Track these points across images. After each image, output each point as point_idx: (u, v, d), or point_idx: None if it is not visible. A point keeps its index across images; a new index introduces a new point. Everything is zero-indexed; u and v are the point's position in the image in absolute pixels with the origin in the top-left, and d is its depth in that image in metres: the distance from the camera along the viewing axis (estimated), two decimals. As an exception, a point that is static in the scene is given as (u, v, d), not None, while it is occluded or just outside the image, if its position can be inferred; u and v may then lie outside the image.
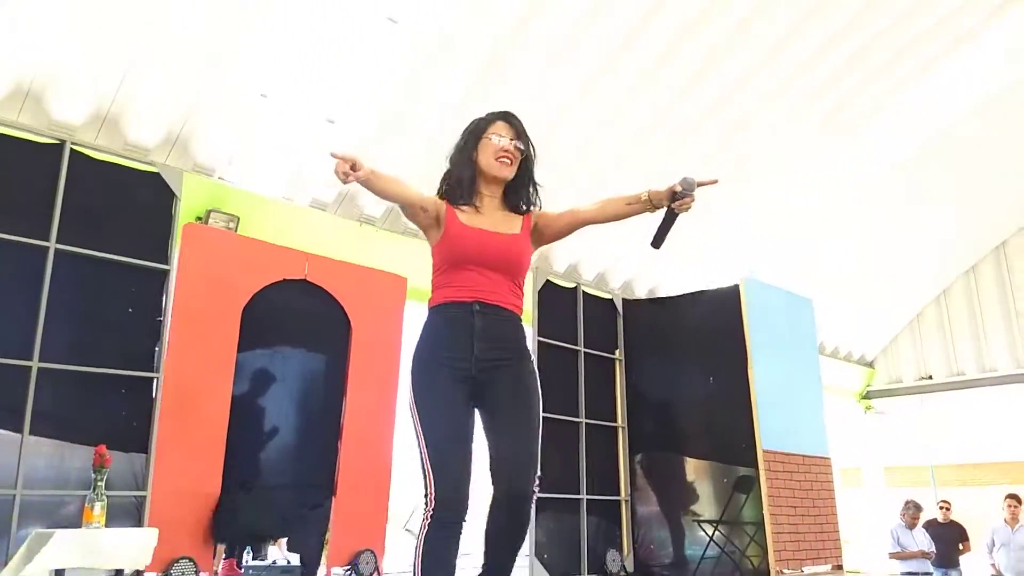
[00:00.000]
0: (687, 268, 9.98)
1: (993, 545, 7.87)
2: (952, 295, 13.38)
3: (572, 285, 6.48)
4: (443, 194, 2.40)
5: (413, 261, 7.64)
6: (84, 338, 4.26)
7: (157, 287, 4.58)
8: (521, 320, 2.41)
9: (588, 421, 6.12)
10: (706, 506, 6.33)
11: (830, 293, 11.35)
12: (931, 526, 8.34)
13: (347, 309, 5.64)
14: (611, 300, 6.75)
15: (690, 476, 6.37)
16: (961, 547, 8.12)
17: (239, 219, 6.32)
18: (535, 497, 2.25)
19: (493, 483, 2.20)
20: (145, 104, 5.61)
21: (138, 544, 3.68)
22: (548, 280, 6.22)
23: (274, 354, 5.40)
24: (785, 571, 6.23)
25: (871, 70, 8.13)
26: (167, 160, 5.87)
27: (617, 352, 6.64)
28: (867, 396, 14.18)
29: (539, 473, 2.26)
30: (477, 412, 2.28)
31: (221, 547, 4.95)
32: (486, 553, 2.24)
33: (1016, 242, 12.67)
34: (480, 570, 2.25)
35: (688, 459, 6.36)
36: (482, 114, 2.47)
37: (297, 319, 5.46)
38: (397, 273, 6.18)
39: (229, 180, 6.69)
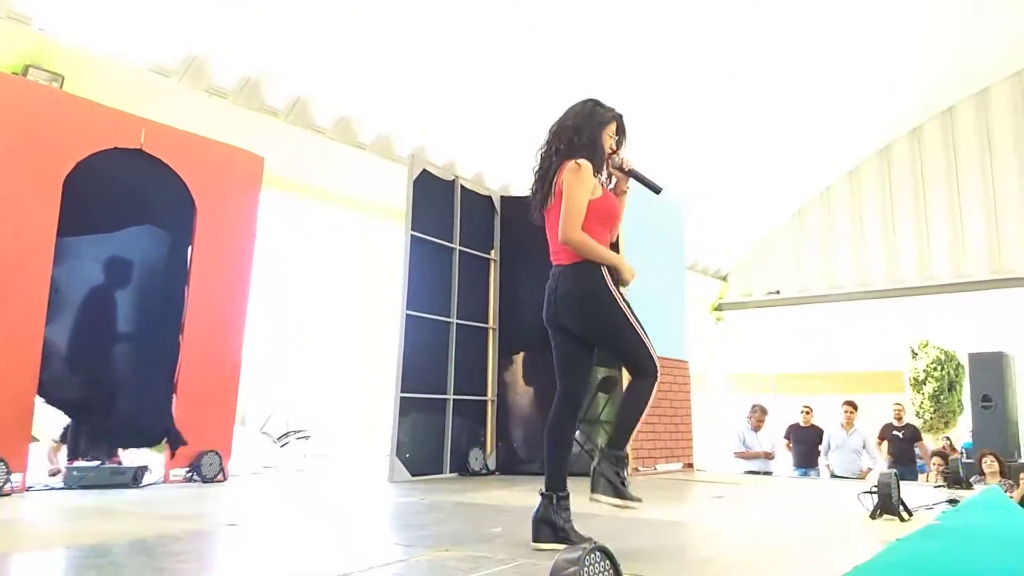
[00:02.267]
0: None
1: (828, 447, 8.49)
2: (806, 215, 14.07)
3: (450, 178, 6.07)
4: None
5: (271, 142, 7.00)
6: None
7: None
8: None
9: (459, 321, 5.86)
10: (572, 407, 6.33)
11: (691, 207, 11.58)
12: (793, 429, 8.88)
13: (191, 186, 4.98)
14: (489, 197, 6.41)
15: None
16: (819, 448, 8.69)
17: (63, 79, 5.40)
18: None
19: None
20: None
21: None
22: (425, 170, 5.77)
23: (101, 234, 4.69)
24: (640, 468, 6.40)
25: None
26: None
27: (492, 252, 6.37)
28: (719, 308, 14.90)
29: None
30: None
31: (37, 446, 4.37)
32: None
33: (868, 167, 13.38)
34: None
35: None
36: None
37: (130, 194, 4.76)
38: (252, 151, 5.53)
39: (52, 32, 5.68)
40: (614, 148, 2.93)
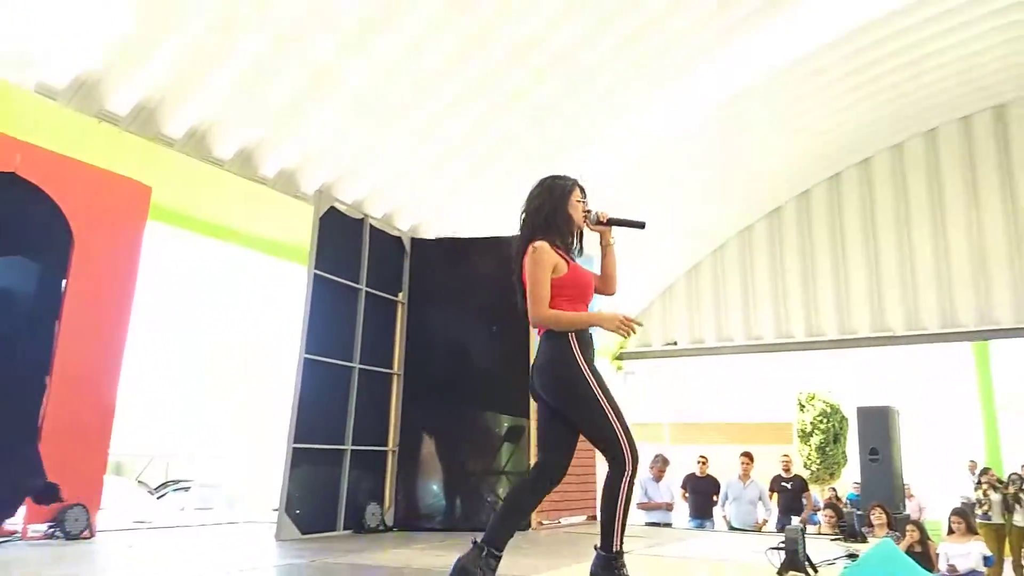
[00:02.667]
0: (480, 215, 9.78)
1: (726, 498, 8.58)
2: (701, 271, 14.58)
3: (359, 216, 5.84)
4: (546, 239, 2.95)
5: (161, 172, 6.58)
6: None
7: None
8: None
9: (362, 366, 5.57)
10: (475, 457, 6.12)
11: (592, 260, 11.77)
12: (690, 479, 8.92)
13: (69, 215, 4.55)
14: (399, 238, 6.21)
15: (462, 426, 6.10)
16: (715, 499, 8.74)
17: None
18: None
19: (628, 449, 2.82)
20: None
21: None
22: (333, 207, 5.53)
23: (-39, 261, 4.20)
24: (544, 522, 6.24)
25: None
26: None
27: (400, 295, 6.14)
28: (620, 357, 15.12)
29: None
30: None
31: None
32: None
33: (760, 227, 14.05)
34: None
35: (462, 409, 6.08)
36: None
37: (-1, 220, 4.29)
38: (140, 181, 5.14)
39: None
40: (587, 209, 3.03)
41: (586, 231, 3.15)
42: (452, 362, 6.10)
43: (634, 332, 2.87)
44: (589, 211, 3.05)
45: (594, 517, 7.05)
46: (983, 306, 12.07)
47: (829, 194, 13.48)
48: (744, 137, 11.34)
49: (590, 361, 2.86)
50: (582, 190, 3.07)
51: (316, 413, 5.17)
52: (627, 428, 2.80)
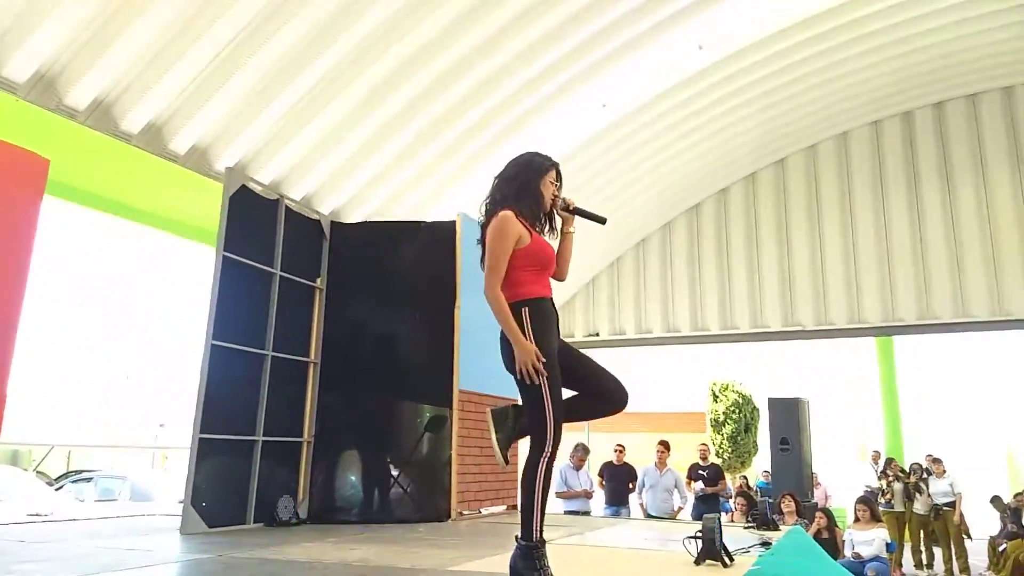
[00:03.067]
0: (404, 201, 9.61)
1: (643, 486, 8.69)
2: (623, 263, 14.78)
3: (274, 197, 5.60)
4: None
5: (61, 145, 6.14)
6: None
7: None
8: None
9: (275, 354, 5.35)
10: (395, 448, 5.98)
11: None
12: (607, 467, 9.00)
13: (-47, 184, 4.17)
14: (318, 221, 5.99)
15: (382, 416, 5.96)
16: (631, 486, 8.83)
17: None
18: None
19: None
20: None
21: None
22: (245, 186, 5.27)
23: None
24: (465, 512, 6.16)
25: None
26: None
27: (319, 280, 5.93)
28: (542, 349, 15.18)
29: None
30: None
31: None
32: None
33: (679, 223, 14.34)
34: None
35: (383, 398, 5.93)
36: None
37: None
38: (37, 153, 4.77)
39: None
40: (556, 193, 3.06)
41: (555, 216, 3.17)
42: (373, 350, 5.95)
43: (534, 381, 2.78)
44: (557, 196, 3.08)
45: (515, 507, 7.03)
46: (887, 303, 12.66)
47: (745, 192, 13.87)
48: (666, 136, 11.59)
49: (542, 336, 2.84)
50: (559, 174, 3.11)
51: (225, 402, 4.94)
52: (559, 412, 2.80)
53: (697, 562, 3.51)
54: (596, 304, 14.88)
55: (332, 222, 6.15)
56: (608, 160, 11.62)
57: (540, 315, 2.88)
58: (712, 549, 3.50)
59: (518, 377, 2.83)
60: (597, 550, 4.14)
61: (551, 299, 3.01)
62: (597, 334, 14.94)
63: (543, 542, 2.80)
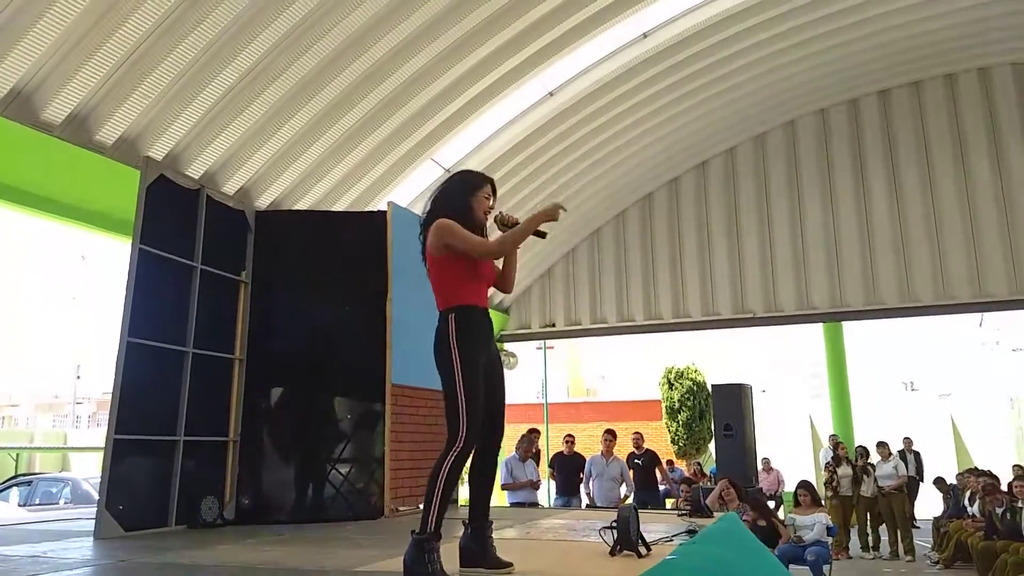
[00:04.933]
0: (338, 195, 9.43)
1: (590, 475, 8.65)
2: (577, 254, 14.76)
3: (194, 187, 5.41)
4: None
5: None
6: None
7: None
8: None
9: (197, 351, 5.17)
10: (326, 445, 5.85)
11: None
12: (557, 458, 8.96)
13: None
14: (242, 212, 5.80)
15: (312, 413, 5.82)
16: (580, 476, 8.78)
17: None
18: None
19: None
20: None
21: None
22: (163, 175, 5.07)
23: None
24: (401, 508, 6.05)
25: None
26: None
27: (244, 274, 5.75)
28: (500, 340, 15.13)
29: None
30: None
31: None
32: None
33: (631, 213, 14.35)
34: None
35: (312, 395, 5.79)
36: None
37: None
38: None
39: None
40: (491, 207, 3.17)
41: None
42: (301, 345, 5.80)
43: (563, 209, 3.04)
44: (490, 209, 3.18)
45: (454, 501, 6.94)
46: (835, 289, 12.82)
47: (696, 182, 13.93)
48: (614, 126, 11.58)
49: (469, 341, 2.95)
50: (493, 190, 3.21)
51: (143, 401, 4.76)
52: (474, 415, 2.87)
53: (612, 553, 3.46)
54: (552, 294, 14.85)
55: (258, 213, 5.97)
56: (558, 150, 11.57)
57: (468, 323, 2.98)
58: (626, 539, 3.45)
59: (443, 381, 2.96)
60: (515, 543, 4.07)
61: (485, 309, 3.11)
62: (553, 324, 14.91)
63: (437, 536, 2.79)
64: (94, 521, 4.52)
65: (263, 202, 8.65)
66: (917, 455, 12.86)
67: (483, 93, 9.61)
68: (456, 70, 8.93)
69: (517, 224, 3.12)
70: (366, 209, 9.29)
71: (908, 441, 12.03)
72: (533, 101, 10.63)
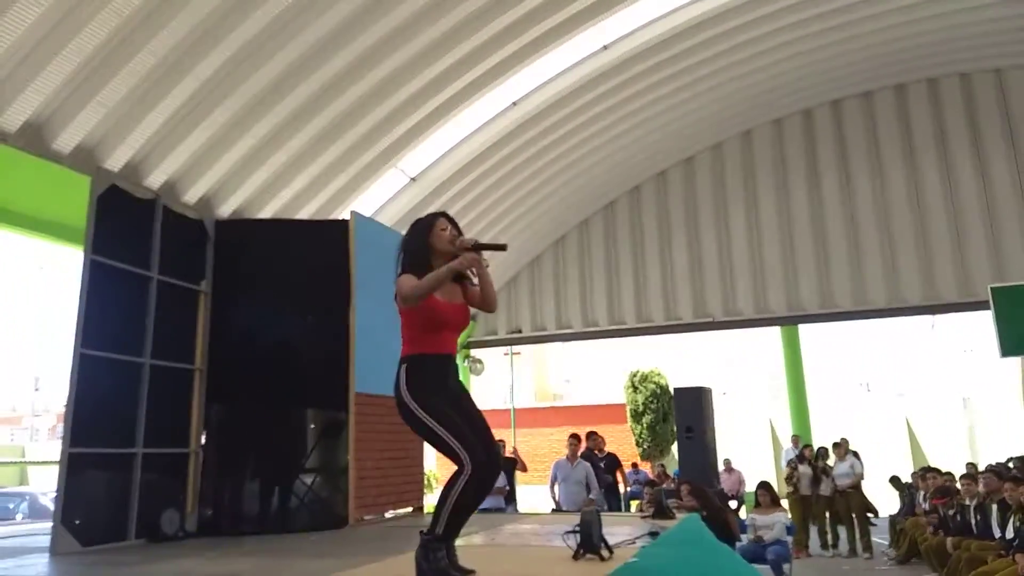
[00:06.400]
0: (306, 204, 9.37)
1: (555, 479, 8.67)
2: (542, 262, 14.87)
3: (149, 197, 5.34)
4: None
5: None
6: None
7: None
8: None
9: (155, 362, 5.10)
10: (290, 455, 5.80)
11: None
12: (507, 462, 8.96)
13: None
14: (200, 221, 5.74)
15: (276, 423, 5.77)
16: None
17: None
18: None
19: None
20: None
21: None
22: (115, 185, 5.01)
23: None
24: (367, 517, 6.03)
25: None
26: None
27: (203, 283, 5.69)
28: (466, 346, 15.14)
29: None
30: None
31: None
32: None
33: (595, 220, 14.51)
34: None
35: (275, 405, 5.74)
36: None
37: None
38: None
39: None
40: (453, 235, 3.20)
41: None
42: (263, 355, 5.75)
43: (479, 264, 3.12)
44: (455, 236, 3.20)
45: (420, 509, 6.93)
46: (792, 293, 13.10)
47: (656, 190, 14.14)
48: (580, 134, 11.70)
49: (420, 387, 3.03)
50: (450, 220, 3.26)
51: (99, 413, 4.69)
52: (465, 440, 2.95)
53: (575, 556, 3.50)
54: (518, 301, 14.93)
55: (217, 222, 5.91)
56: (523, 158, 11.64)
57: (417, 371, 3.07)
58: (589, 543, 3.50)
59: (419, 432, 3.05)
60: (479, 549, 4.09)
61: (441, 355, 3.16)
62: (519, 331, 14.99)
63: (443, 538, 2.96)
64: (50, 537, 4.43)
65: (225, 211, 8.55)
66: (855, 454, 13.13)
67: (448, 102, 9.64)
68: (420, 79, 8.94)
69: (474, 246, 3.17)
70: (330, 218, 9.25)
71: (845, 442, 12.27)
72: (498, 111, 10.69)
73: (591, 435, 9.44)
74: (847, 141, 13.20)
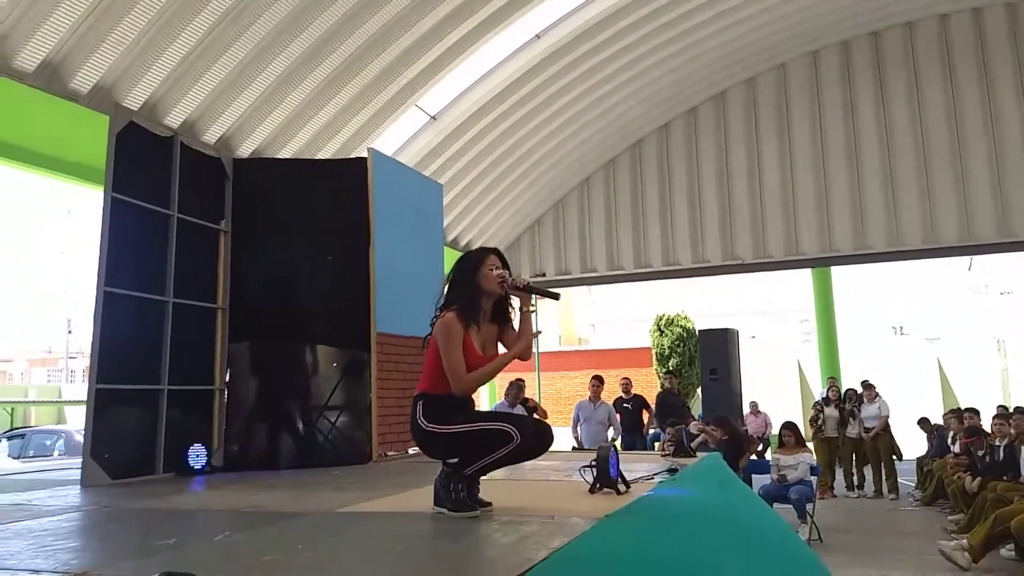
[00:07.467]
0: (327, 142, 9.30)
1: (578, 420, 8.78)
2: (567, 203, 14.68)
3: (167, 134, 5.30)
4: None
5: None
6: None
7: None
8: None
9: (178, 301, 5.13)
10: (313, 392, 5.86)
11: (462, 191, 11.68)
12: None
13: None
14: (218, 159, 5.69)
15: (298, 362, 5.82)
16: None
17: None
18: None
19: None
20: None
21: None
22: (133, 122, 4.96)
23: None
24: (390, 453, 6.11)
25: None
26: None
27: (223, 223, 5.67)
28: (491, 291, 15.15)
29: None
30: None
31: None
32: None
33: (621, 160, 14.23)
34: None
35: (297, 343, 5.78)
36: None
37: None
38: None
39: None
40: (503, 276, 3.07)
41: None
42: (285, 294, 5.76)
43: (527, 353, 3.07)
44: (504, 280, 3.08)
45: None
46: (824, 235, 12.81)
47: (686, 127, 13.78)
48: (608, 67, 11.38)
49: (437, 417, 2.95)
50: (501, 258, 3.14)
51: (124, 351, 4.74)
52: (506, 418, 2.96)
53: (592, 490, 3.50)
54: (542, 244, 14.82)
55: (236, 161, 5.86)
56: (546, 96, 11.38)
57: (436, 406, 2.98)
58: (606, 477, 3.49)
59: (453, 448, 2.97)
60: (497, 483, 4.11)
61: (462, 397, 3.04)
62: (543, 274, 14.92)
63: (468, 477, 2.96)
64: (80, 470, 4.54)
65: (245, 150, 8.52)
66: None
67: (467, 36, 9.41)
68: (438, 11, 8.72)
69: (525, 287, 3.09)
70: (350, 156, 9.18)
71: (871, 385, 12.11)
72: (520, 44, 10.41)
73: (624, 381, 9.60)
74: (885, 70, 12.67)
